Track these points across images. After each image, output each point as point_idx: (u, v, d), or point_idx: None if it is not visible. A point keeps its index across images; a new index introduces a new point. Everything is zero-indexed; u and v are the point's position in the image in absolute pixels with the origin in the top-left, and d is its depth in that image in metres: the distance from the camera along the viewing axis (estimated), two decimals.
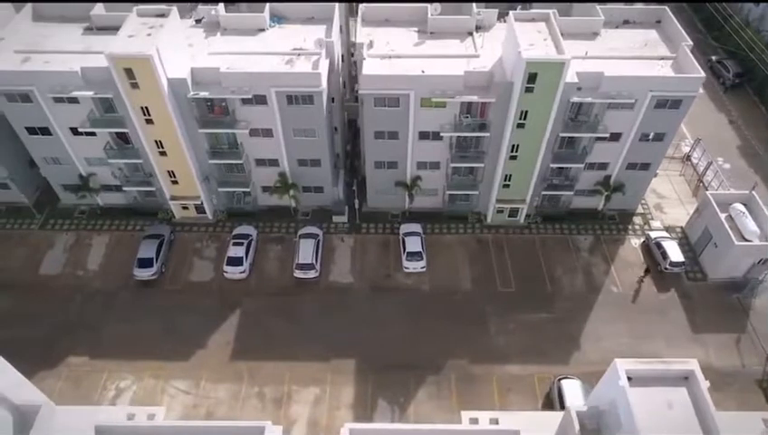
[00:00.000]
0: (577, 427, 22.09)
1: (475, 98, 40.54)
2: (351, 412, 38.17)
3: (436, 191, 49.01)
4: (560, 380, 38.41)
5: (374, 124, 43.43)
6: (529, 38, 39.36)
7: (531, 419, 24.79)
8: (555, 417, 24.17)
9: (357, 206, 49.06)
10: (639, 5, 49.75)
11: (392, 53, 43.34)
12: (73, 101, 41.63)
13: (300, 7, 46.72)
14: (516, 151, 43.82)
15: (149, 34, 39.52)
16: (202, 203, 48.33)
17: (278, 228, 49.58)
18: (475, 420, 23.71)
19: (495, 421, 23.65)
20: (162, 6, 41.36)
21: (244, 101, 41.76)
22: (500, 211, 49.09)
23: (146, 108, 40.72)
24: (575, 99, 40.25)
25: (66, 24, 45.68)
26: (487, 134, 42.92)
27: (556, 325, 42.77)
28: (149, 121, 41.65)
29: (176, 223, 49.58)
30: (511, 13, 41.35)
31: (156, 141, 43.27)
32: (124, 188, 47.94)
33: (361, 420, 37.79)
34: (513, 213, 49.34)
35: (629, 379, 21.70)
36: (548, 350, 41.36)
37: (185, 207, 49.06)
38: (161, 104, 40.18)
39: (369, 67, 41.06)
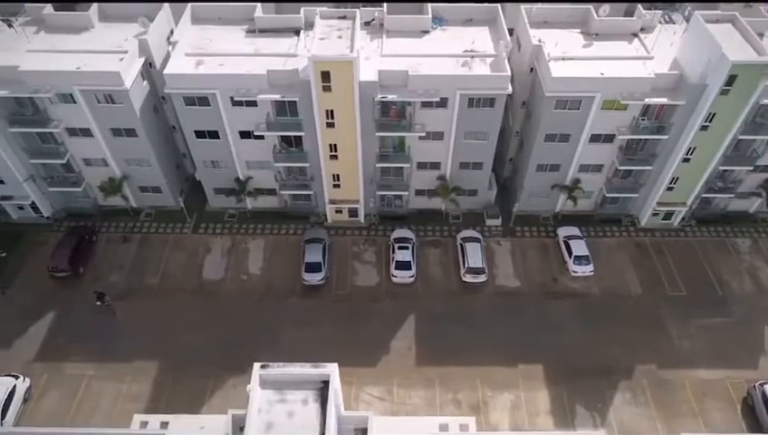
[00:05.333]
0: None
1: (664, 100, 40.09)
2: (552, 419, 37.76)
3: (591, 194, 48.62)
4: (762, 385, 37.86)
5: (549, 127, 42.99)
6: (722, 39, 38.86)
7: None
8: None
9: (515, 209, 48.57)
10: None
11: (566, 55, 42.84)
12: (251, 104, 41.29)
13: (459, 9, 46.30)
14: (691, 154, 43.40)
15: (340, 37, 39.24)
16: (358, 207, 47.98)
17: (432, 232, 49.18)
18: None
19: None
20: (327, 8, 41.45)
21: (424, 104, 41.35)
22: (655, 214, 48.67)
23: (331, 111, 40.33)
24: (765, 101, 39.77)
25: (226, 27, 45.31)
26: (665, 137, 42.48)
27: (736, 329, 42.30)
28: (330, 125, 41.27)
29: (328, 226, 49.17)
30: (697, 13, 40.84)
31: (330, 145, 42.87)
32: (281, 192, 47.58)
33: (562, 427, 37.42)
34: (668, 216, 48.91)
35: None
36: (734, 354, 40.84)
37: (338, 211, 48.69)
38: (349, 107, 39.82)
39: (557, 70, 40.59)
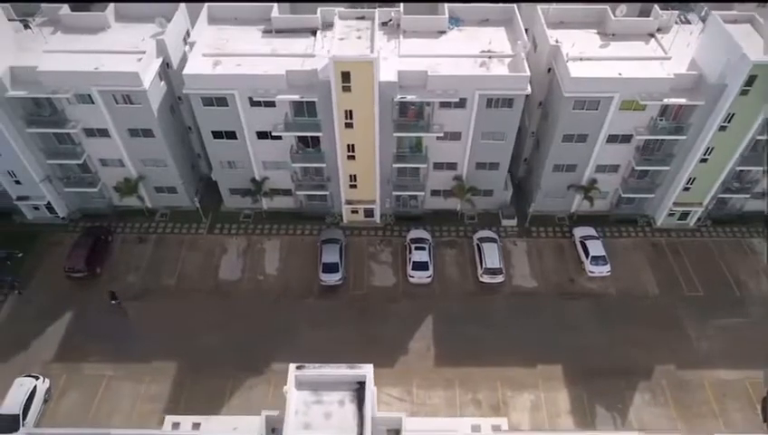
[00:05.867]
0: None
1: (683, 100, 40.09)
2: (572, 419, 37.74)
3: (606, 194, 48.59)
4: None
5: (566, 127, 42.94)
6: (741, 39, 38.79)
7: None
8: None
9: (531, 209, 48.56)
10: None
11: (583, 56, 42.75)
12: (270, 104, 41.27)
13: (475, 9, 46.22)
14: (709, 154, 43.41)
15: (360, 37, 39.26)
16: (374, 207, 47.94)
17: (447, 232, 49.16)
18: None
19: None
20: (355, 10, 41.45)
21: (442, 105, 41.30)
22: (671, 214, 48.66)
23: (350, 111, 40.30)
24: None
25: (242, 27, 45.25)
26: (683, 137, 42.46)
27: (755, 330, 42.22)
28: (349, 125, 41.23)
29: (343, 227, 49.12)
30: (714, 13, 40.82)
31: (348, 145, 42.84)
32: (297, 192, 47.57)
33: (582, 428, 37.41)
34: (684, 216, 48.91)
35: None
36: (752, 355, 40.65)
37: (354, 211, 48.66)
38: (369, 108, 39.76)
39: (576, 70, 40.54)
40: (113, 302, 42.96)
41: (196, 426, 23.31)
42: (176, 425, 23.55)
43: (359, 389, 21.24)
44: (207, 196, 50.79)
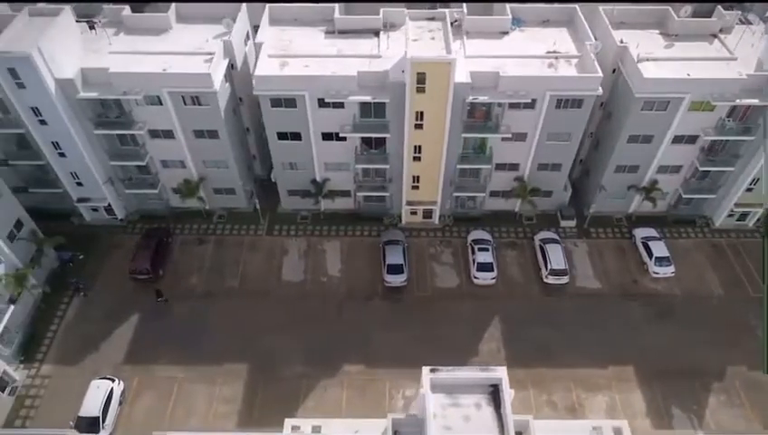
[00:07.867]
0: None
1: (755, 101, 39.98)
2: (649, 421, 37.70)
3: (665, 195, 48.50)
4: None
5: (633, 128, 42.88)
6: None
7: None
8: None
9: (591, 210, 48.44)
10: None
11: (651, 56, 42.64)
12: (338, 106, 41.16)
13: (536, 9, 46.13)
14: None
15: (433, 38, 39.17)
16: (433, 208, 47.86)
17: (506, 233, 49.08)
18: None
19: None
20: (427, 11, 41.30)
21: (511, 105, 41.21)
22: (730, 215, 48.57)
23: (420, 113, 40.22)
24: None
25: (303, 28, 45.20)
26: (751, 138, 42.37)
27: None
28: (419, 126, 41.15)
29: (401, 228, 49.01)
30: None
31: (415, 146, 42.76)
32: (358, 193, 47.48)
33: (660, 429, 37.36)
34: (743, 217, 48.80)
35: None
36: None
37: (413, 212, 48.58)
38: (442, 108, 39.65)
39: (649, 70, 40.45)
40: (159, 300, 42.99)
41: (317, 429, 23.22)
42: (295, 428, 23.43)
43: (493, 391, 21.16)
44: (262, 197, 50.57)
